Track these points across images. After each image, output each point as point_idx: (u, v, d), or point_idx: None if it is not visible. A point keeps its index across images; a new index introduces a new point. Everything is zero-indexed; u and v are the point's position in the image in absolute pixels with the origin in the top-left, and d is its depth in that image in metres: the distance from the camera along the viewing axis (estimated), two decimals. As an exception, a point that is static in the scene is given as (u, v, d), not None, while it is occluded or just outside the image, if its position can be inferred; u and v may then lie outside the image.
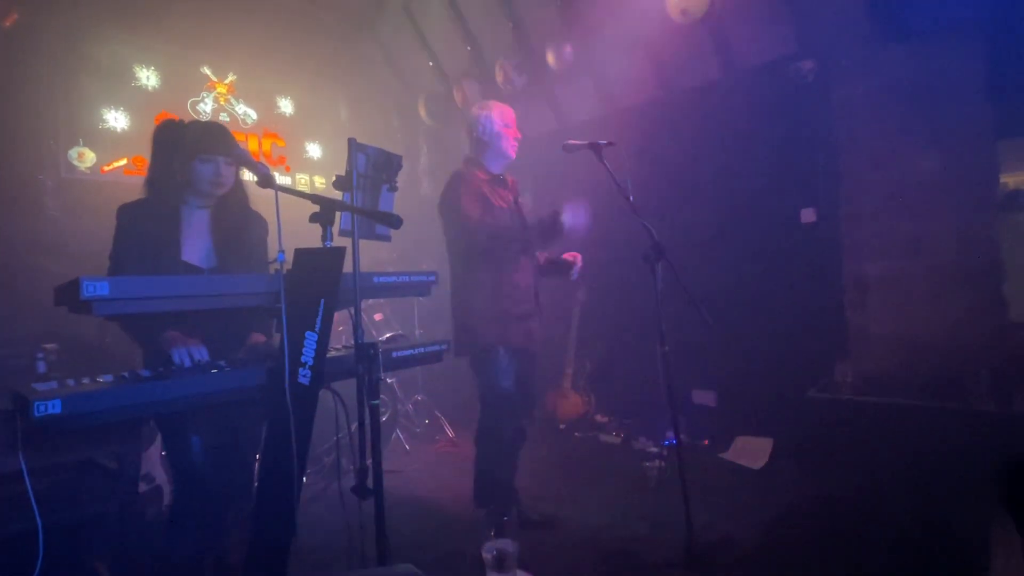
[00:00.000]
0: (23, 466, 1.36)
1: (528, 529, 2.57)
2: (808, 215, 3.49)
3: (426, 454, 3.87)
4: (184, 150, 1.75)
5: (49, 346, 3.03)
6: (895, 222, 3.22)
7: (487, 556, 1.34)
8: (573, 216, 2.33)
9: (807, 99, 3.44)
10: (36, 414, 1.20)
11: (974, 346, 2.90)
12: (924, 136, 3.11)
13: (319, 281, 1.52)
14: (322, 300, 1.51)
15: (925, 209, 3.13)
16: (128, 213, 1.75)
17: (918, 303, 3.14)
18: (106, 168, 3.88)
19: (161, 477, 2.58)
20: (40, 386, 1.32)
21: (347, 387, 1.65)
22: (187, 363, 1.56)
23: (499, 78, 4.33)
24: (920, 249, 3.15)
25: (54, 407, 1.22)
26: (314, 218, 1.52)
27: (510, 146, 2.55)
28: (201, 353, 1.61)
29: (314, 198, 1.53)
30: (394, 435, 3.94)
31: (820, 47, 3.38)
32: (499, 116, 2.52)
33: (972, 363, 2.82)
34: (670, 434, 3.40)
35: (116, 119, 3.94)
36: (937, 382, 2.89)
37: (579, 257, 2.64)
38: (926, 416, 2.68)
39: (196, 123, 1.87)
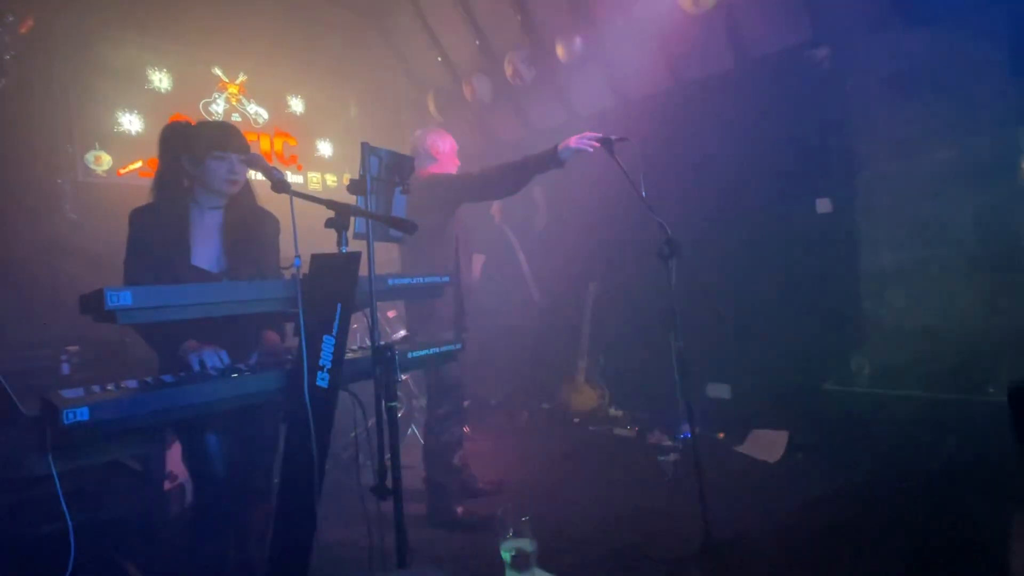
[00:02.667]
0: (53, 469, 1.40)
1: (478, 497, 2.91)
2: (823, 205, 3.44)
3: (442, 449, 3.90)
4: (197, 148, 1.74)
5: (72, 348, 3.10)
6: (912, 211, 3.17)
7: (505, 555, 1.35)
8: (576, 143, 2.36)
9: (822, 87, 3.39)
10: (65, 422, 1.23)
11: (993, 336, 2.86)
12: (942, 122, 3.05)
13: (336, 286, 1.54)
14: (339, 304, 1.53)
15: (943, 197, 3.07)
16: (139, 218, 1.75)
17: (936, 293, 3.10)
18: (122, 171, 3.94)
19: (184, 475, 2.64)
20: (68, 393, 1.36)
21: (365, 387, 1.68)
22: (208, 366, 1.59)
23: (508, 72, 4.31)
24: (938, 238, 3.10)
25: (82, 415, 1.25)
26: (330, 224, 1.53)
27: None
28: (222, 357, 1.63)
29: (329, 204, 1.54)
30: (409, 430, 3.98)
31: (835, 33, 3.32)
32: (450, 146, 2.86)
33: (991, 354, 2.79)
34: (685, 427, 3.41)
35: (131, 122, 3.99)
36: (955, 373, 2.86)
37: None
38: (944, 408, 2.65)
39: (207, 122, 1.87)
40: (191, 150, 1.75)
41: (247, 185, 1.89)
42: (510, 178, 2.56)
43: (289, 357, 1.72)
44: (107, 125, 3.91)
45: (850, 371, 3.16)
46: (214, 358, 1.63)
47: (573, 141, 2.36)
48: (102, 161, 3.87)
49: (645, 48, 3.90)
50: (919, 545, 2.17)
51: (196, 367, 1.59)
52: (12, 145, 3.49)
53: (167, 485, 2.49)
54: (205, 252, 1.79)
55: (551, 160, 2.42)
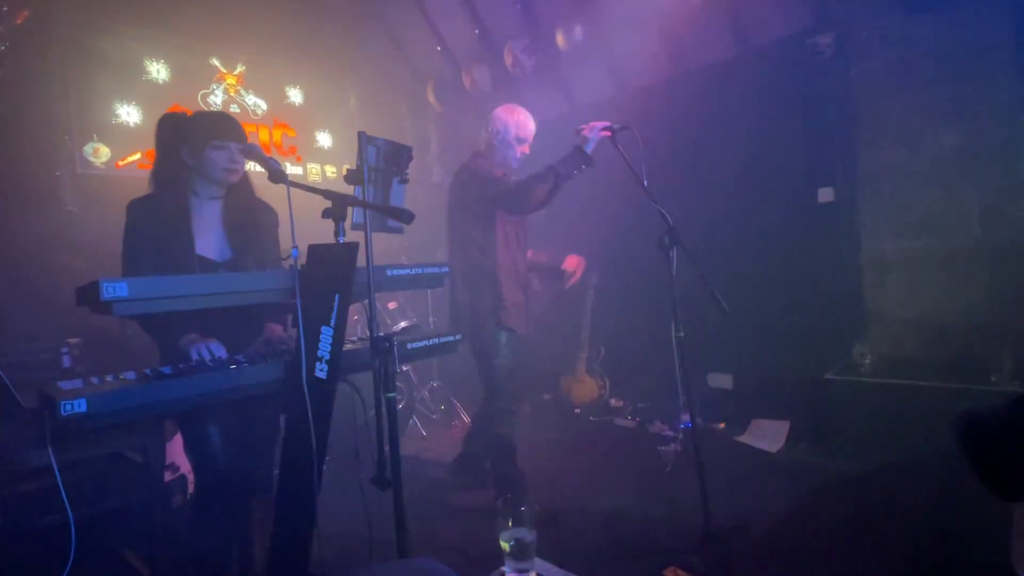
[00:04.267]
0: (53, 462, 1.40)
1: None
2: (826, 194, 3.42)
3: (442, 440, 3.91)
4: (195, 139, 1.74)
5: (72, 340, 3.10)
6: (915, 200, 3.15)
7: (505, 546, 1.35)
8: (590, 132, 2.32)
9: (825, 74, 3.35)
10: (63, 413, 1.23)
11: (996, 326, 2.84)
12: (947, 111, 3.02)
13: (333, 276, 1.53)
14: (337, 295, 1.52)
15: (947, 186, 3.05)
16: (138, 209, 1.74)
17: (939, 283, 3.08)
18: (121, 163, 3.92)
19: (185, 466, 2.65)
20: (66, 385, 1.35)
21: (364, 378, 1.67)
22: (206, 358, 1.59)
23: (508, 61, 4.27)
24: (941, 227, 3.08)
25: (80, 406, 1.25)
26: (327, 214, 1.52)
27: (514, 159, 2.69)
28: (219, 350, 1.63)
29: (326, 194, 1.53)
30: (411, 422, 3.98)
31: (839, 20, 3.28)
32: (516, 129, 2.64)
33: (994, 343, 2.77)
34: (686, 417, 3.40)
35: (129, 113, 3.96)
36: (958, 363, 2.85)
37: (579, 265, 2.86)
38: (947, 397, 2.64)
39: (204, 112, 1.88)
40: (189, 141, 1.75)
41: (245, 175, 1.89)
42: (540, 191, 2.39)
43: (289, 347, 1.72)
44: (105, 117, 3.88)
45: (852, 360, 3.15)
46: (220, 350, 1.64)
47: (588, 133, 2.31)
48: (100, 153, 3.85)
49: (646, 36, 3.86)
50: (920, 534, 2.17)
51: (196, 357, 1.58)
52: (9, 138, 3.47)
53: (168, 476, 2.49)
54: (208, 242, 1.79)
55: (581, 160, 2.33)
